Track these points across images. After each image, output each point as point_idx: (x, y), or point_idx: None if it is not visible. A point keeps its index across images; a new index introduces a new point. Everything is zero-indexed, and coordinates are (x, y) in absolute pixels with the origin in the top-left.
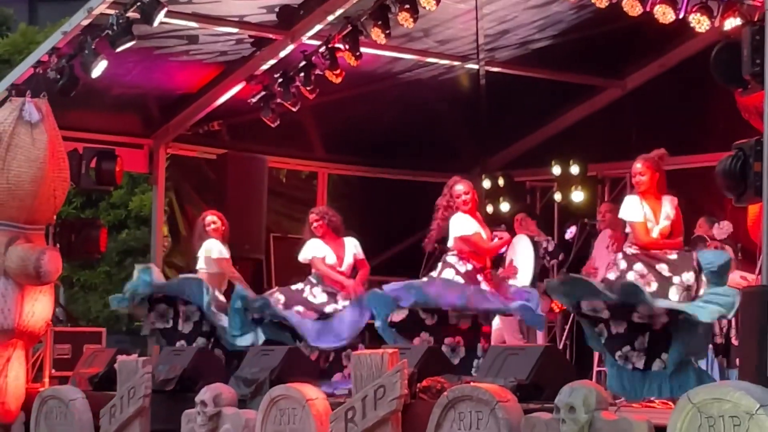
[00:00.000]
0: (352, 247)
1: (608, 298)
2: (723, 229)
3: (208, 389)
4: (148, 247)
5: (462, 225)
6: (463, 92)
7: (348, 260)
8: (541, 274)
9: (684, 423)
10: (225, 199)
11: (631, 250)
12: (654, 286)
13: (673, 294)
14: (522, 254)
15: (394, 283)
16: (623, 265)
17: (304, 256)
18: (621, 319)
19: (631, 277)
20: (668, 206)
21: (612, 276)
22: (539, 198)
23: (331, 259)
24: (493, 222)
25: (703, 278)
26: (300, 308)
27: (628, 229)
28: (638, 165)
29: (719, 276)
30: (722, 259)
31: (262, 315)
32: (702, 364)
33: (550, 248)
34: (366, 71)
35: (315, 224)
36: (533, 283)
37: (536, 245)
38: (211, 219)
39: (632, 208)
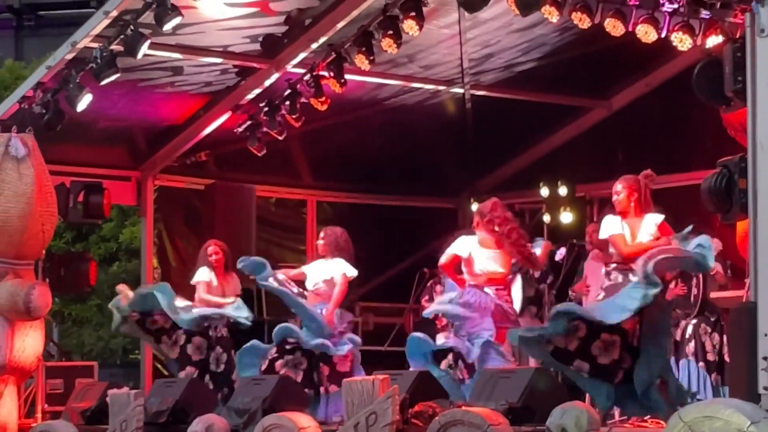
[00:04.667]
0: None
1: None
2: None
3: (201, 420)
4: (139, 279)
5: None
6: (450, 116)
7: None
8: (534, 298)
9: None
10: (214, 229)
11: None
12: None
13: None
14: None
15: None
16: (605, 282)
17: None
18: None
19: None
20: (650, 224)
21: (600, 297)
22: (528, 220)
23: None
24: None
25: None
26: None
27: (612, 249)
28: (617, 185)
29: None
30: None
31: None
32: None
33: (537, 275)
34: (351, 98)
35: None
36: (522, 309)
37: (525, 272)
38: (212, 250)
39: (610, 225)
